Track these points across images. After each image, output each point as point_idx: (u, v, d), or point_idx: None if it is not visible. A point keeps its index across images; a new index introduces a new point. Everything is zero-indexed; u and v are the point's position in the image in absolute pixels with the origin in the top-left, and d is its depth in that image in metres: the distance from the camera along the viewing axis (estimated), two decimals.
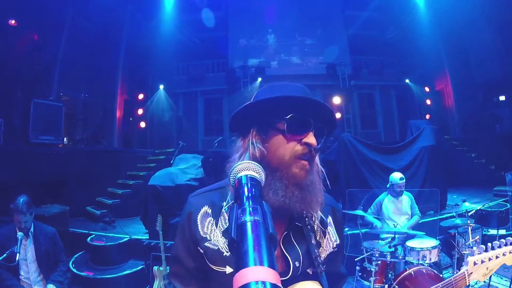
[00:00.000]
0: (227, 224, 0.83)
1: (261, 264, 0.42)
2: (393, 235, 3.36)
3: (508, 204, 5.66)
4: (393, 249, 3.25)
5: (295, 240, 0.85)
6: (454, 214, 3.75)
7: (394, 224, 3.88)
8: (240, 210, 0.53)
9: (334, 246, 0.94)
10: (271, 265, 0.42)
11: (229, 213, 0.54)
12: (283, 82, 0.92)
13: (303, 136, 0.82)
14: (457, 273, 1.21)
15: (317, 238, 0.90)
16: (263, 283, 0.39)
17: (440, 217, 4.71)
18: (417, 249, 3.17)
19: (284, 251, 0.83)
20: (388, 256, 3.14)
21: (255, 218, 0.50)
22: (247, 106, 0.86)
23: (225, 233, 0.83)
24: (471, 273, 1.16)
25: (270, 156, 0.82)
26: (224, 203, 0.88)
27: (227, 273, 0.82)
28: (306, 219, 0.87)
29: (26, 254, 2.80)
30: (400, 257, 3.19)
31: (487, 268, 1.17)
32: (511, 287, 3.24)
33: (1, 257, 2.51)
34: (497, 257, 1.19)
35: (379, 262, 3.14)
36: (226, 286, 0.81)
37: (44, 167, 5.92)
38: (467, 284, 1.14)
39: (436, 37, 11.36)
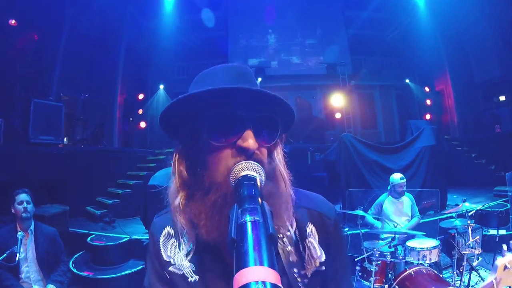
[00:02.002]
0: (190, 247, 0.73)
1: (261, 264, 0.42)
2: (393, 235, 3.36)
3: (508, 204, 5.66)
4: (393, 249, 3.25)
5: None
6: (454, 215, 3.75)
7: (394, 225, 3.88)
8: (240, 210, 0.53)
9: (317, 264, 0.73)
10: (271, 265, 0.42)
11: (229, 213, 0.53)
12: (215, 67, 0.74)
13: (233, 138, 0.63)
14: (484, 280, 1.01)
15: (297, 254, 0.73)
16: (263, 283, 0.39)
17: (440, 217, 4.71)
18: (417, 249, 3.17)
19: None
20: (388, 256, 3.14)
21: (255, 218, 0.50)
22: (163, 112, 0.68)
23: (188, 255, 0.73)
24: (501, 279, 0.93)
25: (203, 176, 0.66)
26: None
27: None
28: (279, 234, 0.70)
29: (26, 254, 2.80)
30: (400, 257, 3.19)
31: None
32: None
33: (1, 257, 2.51)
34: None
35: (379, 262, 3.14)
36: None
37: (44, 167, 5.92)
38: None
39: (436, 37, 11.36)
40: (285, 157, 0.76)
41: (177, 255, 0.74)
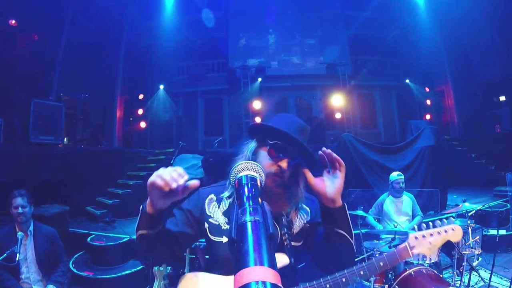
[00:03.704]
0: (227, 206, 1.16)
1: (261, 264, 0.42)
2: (393, 235, 3.36)
3: (508, 204, 5.66)
4: (393, 249, 3.24)
5: None
6: (454, 215, 3.75)
7: (394, 225, 3.88)
8: (240, 210, 0.53)
9: (305, 222, 1.23)
10: (271, 265, 0.43)
11: (230, 213, 0.54)
12: (292, 116, 1.23)
13: (279, 160, 1.09)
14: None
15: (289, 219, 1.19)
16: (263, 283, 0.39)
17: (440, 217, 4.70)
18: None
19: None
20: None
21: (255, 218, 0.50)
22: (259, 124, 1.21)
23: (225, 212, 1.16)
24: (414, 246, 1.27)
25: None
26: (226, 193, 1.18)
27: (223, 242, 1.12)
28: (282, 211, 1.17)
29: (26, 254, 2.80)
30: None
31: (430, 243, 1.29)
32: (511, 287, 3.24)
33: (1, 257, 2.51)
34: (438, 233, 1.32)
35: None
36: (221, 253, 1.11)
37: (44, 167, 5.91)
38: (410, 255, 1.26)
39: (436, 37, 11.36)
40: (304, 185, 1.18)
41: (216, 212, 1.17)
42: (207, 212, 1.17)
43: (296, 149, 1.11)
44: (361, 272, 1.11)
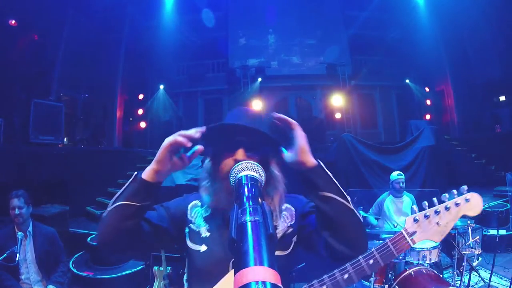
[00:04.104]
0: (209, 213, 1.08)
1: (261, 264, 0.42)
2: (393, 235, 3.35)
3: (508, 204, 5.66)
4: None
5: None
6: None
7: (394, 224, 3.88)
8: (240, 210, 0.53)
9: (288, 225, 1.08)
10: (271, 265, 0.42)
11: (230, 213, 0.54)
12: (236, 109, 1.09)
13: (233, 153, 0.98)
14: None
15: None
16: (263, 283, 0.39)
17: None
18: (417, 249, 3.17)
19: None
20: None
21: (255, 218, 0.50)
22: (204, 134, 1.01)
23: (207, 219, 1.08)
24: (414, 232, 0.99)
25: (218, 172, 1.01)
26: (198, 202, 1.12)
27: (201, 251, 1.03)
28: None
29: (25, 254, 2.80)
30: (400, 257, 3.19)
31: (438, 223, 0.99)
32: (511, 287, 3.24)
33: (1, 257, 2.51)
34: (446, 208, 1.01)
35: None
36: (199, 263, 1.02)
37: (44, 167, 5.91)
38: (411, 245, 1.01)
39: (436, 37, 11.36)
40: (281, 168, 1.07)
41: (198, 218, 1.09)
42: (189, 216, 1.10)
43: (247, 137, 0.97)
44: (345, 277, 0.98)
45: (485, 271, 3.92)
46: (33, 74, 7.64)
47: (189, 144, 0.92)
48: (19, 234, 2.72)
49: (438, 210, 1.02)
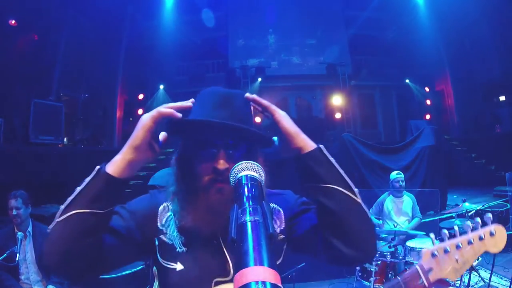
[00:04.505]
0: (183, 220, 0.83)
1: (261, 264, 0.42)
2: (393, 235, 3.36)
3: (508, 204, 5.66)
4: (393, 249, 3.25)
5: None
6: (454, 215, 3.75)
7: (394, 224, 3.88)
8: (240, 210, 0.53)
9: (278, 231, 0.88)
10: (271, 265, 0.42)
11: (230, 213, 0.54)
12: (204, 91, 0.86)
13: (209, 161, 0.78)
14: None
15: None
16: (263, 283, 0.39)
17: (440, 217, 4.71)
18: (417, 249, 3.17)
19: (226, 253, 0.81)
20: (388, 256, 3.14)
21: (255, 218, 0.50)
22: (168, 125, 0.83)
23: (181, 229, 0.83)
24: (430, 269, 0.85)
25: (191, 182, 0.81)
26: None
27: (177, 270, 0.81)
28: None
29: (25, 254, 2.80)
30: (400, 257, 3.19)
31: (458, 260, 0.86)
32: (511, 287, 3.24)
33: (1, 257, 2.51)
34: (469, 242, 0.88)
35: (379, 262, 3.14)
36: (173, 283, 0.81)
37: (44, 167, 5.91)
38: (426, 285, 0.85)
39: (436, 37, 11.36)
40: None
41: (171, 227, 0.85)
42: (160, 224, 0.85)
43: (233, 138, 0.79)
44: None
45: (485, 271, 3.92)
46: (33, 74, 7.63)
47: (179, 116, 0.77)
48: (19, 234, 2.72)
49: (460, 244, 0.88)
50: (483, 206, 4.93)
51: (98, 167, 0.77)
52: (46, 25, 7.76)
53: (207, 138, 0.79)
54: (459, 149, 9.74)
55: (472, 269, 3.32)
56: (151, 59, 11.58)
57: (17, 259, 2.58)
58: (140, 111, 11.65)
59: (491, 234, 0.89)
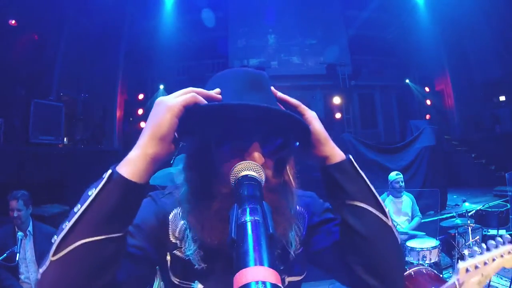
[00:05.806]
0: (200, 231, 0.66)
1: (261, 264, 0.42)
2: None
3: (508, 204, 5.66)
4: None
5: None
6: (454, 214, 3.75)
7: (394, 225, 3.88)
8: (240, 210, 0.53)
9: (300, 241, 0.77)
10: (271, 265, 0.42)
11: (230, 213, 0.53)
12: (227, 71, 0.73)
13: (240, 152, 0.63)
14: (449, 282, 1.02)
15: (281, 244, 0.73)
16: (263, 283, 0.39)
17: (440, 217, 4.71)
18: (417, 249, 3.17)
19: None
20: None
21: (255, 218, 0.50)
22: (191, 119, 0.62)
23: (198, 242, 0.68)
24: (463, 282, 0.95)
25: (210, 185, 0.67)
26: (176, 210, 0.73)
27: None
28: None
29: (25, 254, 2.80)
30: None
31: (483, 274, 0.97)
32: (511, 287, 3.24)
33: (1, 257, 2.51)
34: (493, 259, 1.00)
35: None
36: None
37: (44, 167, 5.91)
38: None
39: (436, 37, 11.37)
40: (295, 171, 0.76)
41: (186, 239, 0.70)
42: (172, 237, 0.71)
43: (263, 121, 0.63)
44: None
45: None
46: (33, 74, 7.63)
47: (203, 100, 0.62)
48: (19, 234, 2.72)
49: (487, 261, 0.97)
50: (483, 206, 4.93)
51: (109, 171, 0.57)
52: (46, 25, 7.76)
53: (238, 127, 0.63)
54: (459, 149, 9.75)
55: None
56: (151, 59, 11.59)
57: (17, 258, 2.58)
58: (140, 111, 11.66)
59: (509, 252, 1.02)
